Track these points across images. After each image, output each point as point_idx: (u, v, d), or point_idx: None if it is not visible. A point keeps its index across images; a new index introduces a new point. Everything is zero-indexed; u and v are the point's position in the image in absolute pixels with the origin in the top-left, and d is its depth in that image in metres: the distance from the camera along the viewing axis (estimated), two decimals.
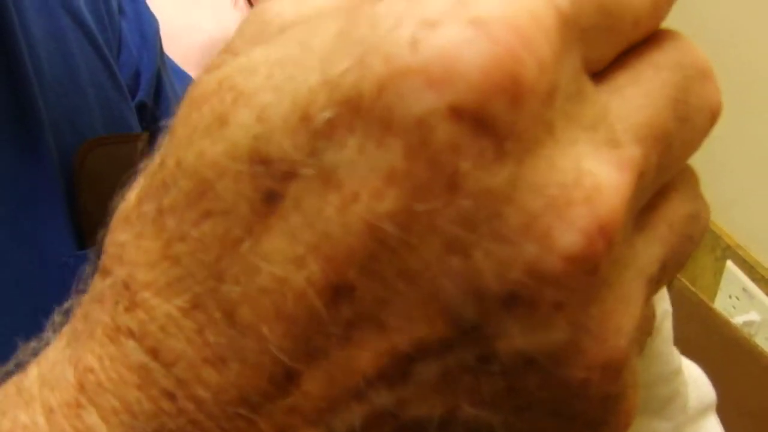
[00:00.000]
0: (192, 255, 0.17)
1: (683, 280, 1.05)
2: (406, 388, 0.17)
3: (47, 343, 0.22)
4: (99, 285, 0.20)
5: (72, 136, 0.46)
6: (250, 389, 0.17)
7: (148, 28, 0.60)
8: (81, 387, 0.19)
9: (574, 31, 0.16)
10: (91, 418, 0.19)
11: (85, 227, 0.47)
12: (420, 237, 0.16)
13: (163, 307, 0.18)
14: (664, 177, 0.19)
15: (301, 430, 0.18)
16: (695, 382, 0.36)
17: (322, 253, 0.16)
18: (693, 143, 0.19)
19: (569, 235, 0.15)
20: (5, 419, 0.20)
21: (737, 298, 1.11)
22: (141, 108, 0.56)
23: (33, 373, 0.21)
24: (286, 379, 0.17)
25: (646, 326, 0.20)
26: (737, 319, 1.04)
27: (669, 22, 0.19)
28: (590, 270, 0.16)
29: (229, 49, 0.18)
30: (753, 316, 1.06)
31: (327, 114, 0.16)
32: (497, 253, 0.15)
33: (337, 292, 0.16)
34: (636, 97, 0.17)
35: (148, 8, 0.62)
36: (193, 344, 0.18)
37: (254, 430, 0.18)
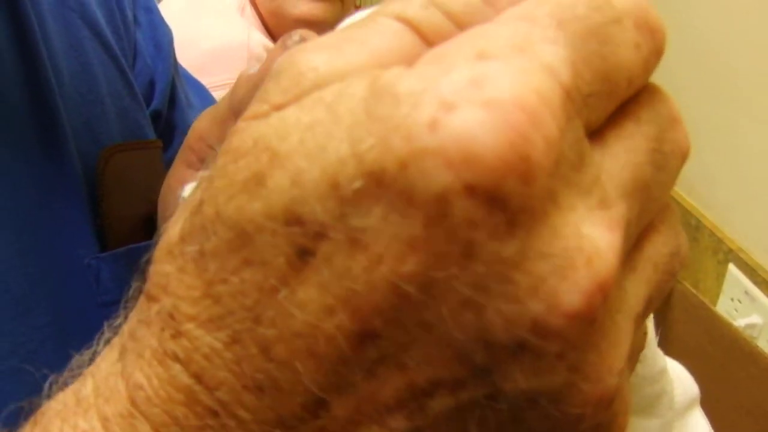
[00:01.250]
0: (232, 297, 0.19)
1: (686, 284, 1.06)
2: (422, 417, 0.19)
3: (96, 354, 0.24)
4: (146, 309, 0.22)
5: (91, 143, 0.48)
6: (286, 413, 0.19)
7: (162, 39, 0.61)
8: (132, 401, 0.21)
9: (577, 101, 0.18)
10: (144, 427, 0.21)
11: (107, 230, 0.48)
12: (437, 296, 0.17)
13: (206, 339, 0.20)
14: (645, 219, 0.20)
15: None
16: (679, 379, 0.37)
17: (350, 305, 0.18)
18: (668, 185, 0.21)
19: (572, 295, 0.17)
20: (66, 425, 0.22)
21: (739, 302, 1.10)
22: (156, 116, 0.58)
23: (89, 383, 0.23)
24: (317, 406, 0.19)
25: (637, 351, 0.22)
26: (739, 322, 1.05)
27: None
28: (589, 323, 0.17)
29: (264, 99, 0.20)
30: (755, 319, 1.05)
31: (355, 184, 0.17)
32: (507, 311, 0.17)
33: (363, 337, 0.18)
34: (621, 153, 0.19)
35: (162, 19, 0.63)
36: (234, 373, 0.19)
37: None
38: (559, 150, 0.17)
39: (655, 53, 0.20)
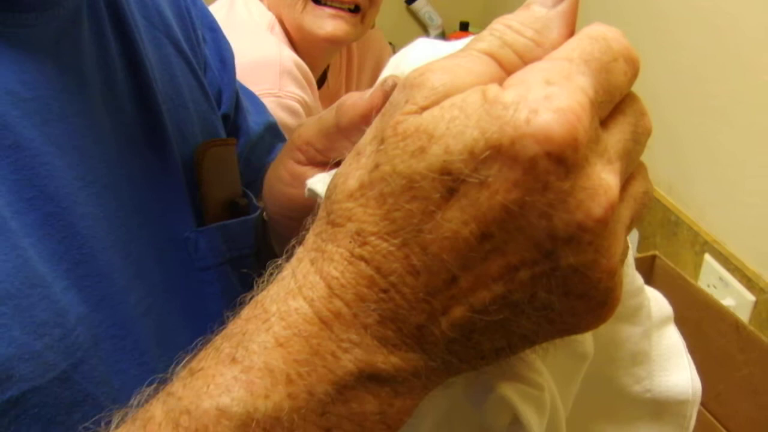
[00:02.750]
0: (404, 218, 0.32)
1: (666, 259, 1.16)
2: (512, 284, 0.32)
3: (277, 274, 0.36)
4: (331, 231, 0.34)
5: (182, 141, 0.56)
6: (431, 287, 0.32)
7: (226, 54, 0.71)
8: (329, 287, 0.33)
9: (595, 107, 0.32)
10: (338, 302, 0.33)
11: (204, 210, 0.58)
12: (527, 211, 0.31)
13: (384, 245, 0.32)
14: (629, 171, 0.34)
15: (455, 306, 0.33)
16: (655, 299, 0.43)
17: (478, 218, 0.31)
18: (641, 151, 0.35)
19: (598, 208, 0.30)
20: (280, 305, 0.34)
21: (715, 287, 1.22)
22: (225, 119, 0.67)
23: (288, 282, 0.35)
24: (452, 280, 0.32)
25: (624, 252, 0.35)
26: None
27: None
28: (605, 224, 0.31)
29: (413, 101, 0.32)
30: (729, 301, 1.17)
31: (485, 153, 0.30)
32: (565, 217, 0.31)
33: (484, 237, 0.31)
34: (616, 133, 0.34)
35: (224, 36, 0.73)
36: (402, 264, 0.32)
37: (429, 307, 0.33)
38: (589, 134, 0.30)
39: (634, 75, 0.34)
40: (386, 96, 0.41)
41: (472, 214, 0.31)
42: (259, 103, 0.81)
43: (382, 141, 0.33)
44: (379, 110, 0.40)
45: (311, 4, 1.24)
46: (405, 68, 0.43)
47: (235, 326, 0.35)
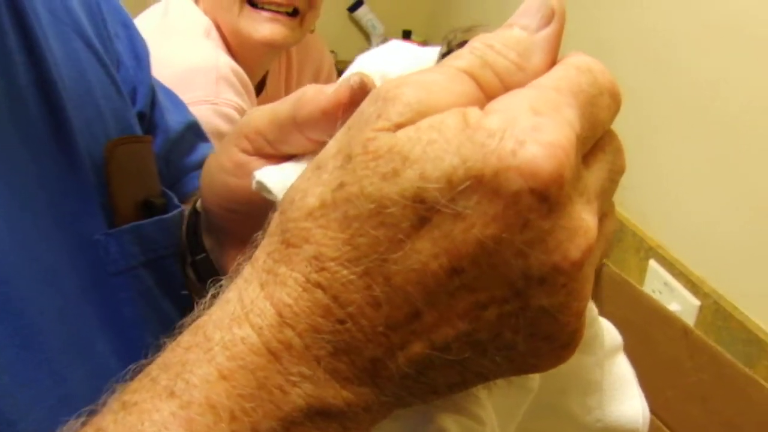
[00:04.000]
0: (368, 245, 0.30)
1: (612, 267, 1.17)
2: (477, 322, 0.30)
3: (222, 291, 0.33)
4: (284, 252, 0.31)
5: (91, 139, 0.53)
6: (392, 319, 0.30)
7: (140, 51, 0.67)
8: (280, 315, 0.31)
9: (579, 141, 0.30)
10: (289, 332, 0.31)
11: (114, 210, 0.54)
12: (502, 248, 0.29)
13: (344, 272, 0.30)
14: (603, 209, 0.33)
15: (415, 342, 0.31)
16: (607, 328, 0.43)
17: (449, 252, 0.29)
18: (614, 190, 0.34)
19: (575, 251, 0.29)
20: (223, 332, 0.31)
21: (660, 292, 1.22)
22: (141, 117, 0.63)
23: (232, 306, 0.32)
24: (414, 315, 0.30)
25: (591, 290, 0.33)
26: None
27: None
28: (580, 268, 0.30)
29: (386, 117, 0.30)
30: (675, 306, 1.17)
31: (464, 182, 0.28)
32: (541, 258, 0.29)
33: (453, 272, 0.29)
34: (595, 171, 0.32)
35: (139, 33, 0.68)
36: (362, 294, 0.30)
37: (387, 341, 0.31)
38: (573, 171, 0.29)
39: (617, 111, 0.33)
40: (353, 93, 0.38)
41: (443, 247, 0.29)
42: (179, 101, 0.77)
43: (349, 158, 0.30)
44: (343, 108, 0.38)
45: (248, 8, 1.21)
46: (373, 69, 0.41)
47: (174, 355, 0.32)
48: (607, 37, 1.41)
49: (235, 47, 1.24)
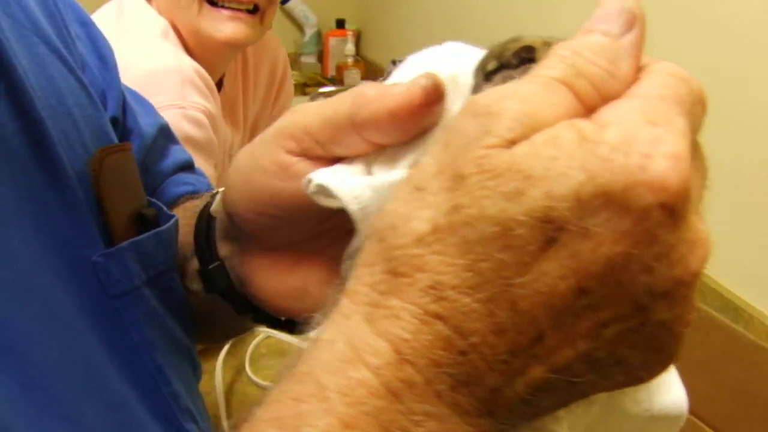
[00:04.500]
0: (492, 270, 0.29)
1: None
2: (597, 341, 0.30)
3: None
4: (392, 283, 0.30)
5: (69, 150, 0.48)
6: (516, 345, 0.29)
7: (104, 50, 0.62)
8: (398, 351, 0.29)
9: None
10: (409, 370, 0.29)
11: (110, 227, 0.50)
12: (631, 264, 0.28)
13: (464, 300, 0.29)
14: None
15: (535, 366, 0.30)
16: None
17: (577, 271, 0.28)
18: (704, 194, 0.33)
19: (695, 262, 0.29)
20: (337, 377, 0.30)
21: None
22: (113, 122, 0.58)
23: (339, 346, 0.30)
24: (538, 338, 0.29)
25: None
26: None
27: None
28: (698, 278, 0.30)
29: (495, 134, 0.29)
30: None
31: (594, 200, 0.28)
32: (665, 272, 0.29)
33: (580, 292, 0.29)
34: (696, 180, 0.31)
35: (100, 32, 0.63)
36: (484, 323, 0.29)
37: (508, 368, 0.30)
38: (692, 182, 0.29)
39: (705, 117, 0.33)
40: (427, 95, 0.36)
41: (571, 267, 0.28)
42: (146, 103, 0.72)
43: (460, 178, 0.29)
44: (414, 111, 0.36)
45: (207, 7, 1.17)
46: (439, 69, 0.38)
47: (285, 408, 0.30)
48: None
49: (194, 48, 1.20)
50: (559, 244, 0.28)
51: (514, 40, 0.38)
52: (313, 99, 1.99)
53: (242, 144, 1.37)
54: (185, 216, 0.59)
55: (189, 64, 1.12)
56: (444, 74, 0.38)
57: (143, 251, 0.52)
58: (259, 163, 0.44)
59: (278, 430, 0.30)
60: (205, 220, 0.52)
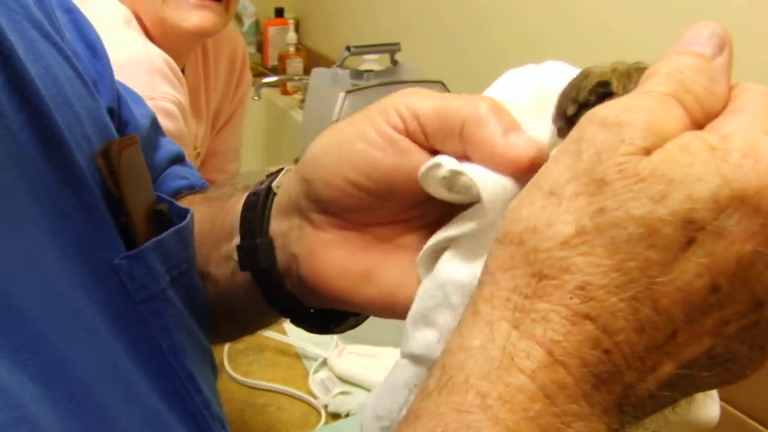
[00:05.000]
0: (639, 269, 0.30)
1: None
2: (720, 338, 0.31)
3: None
4: (536, 286, 0.31)
5: (77, 147, 0.45)
6: (651, 343, 0.31)
7: (92, 37, 0.60)
8: (550, 354, 0.30)
9: None
10: (562, 372, 0.30)
11: (133, 227, 0.47)
12: (758, 262, 0.30)
13: (612, 299, 0.30)
14: None
15: (666, 363, 0.31)
16: None
17: (711, 269, 0.30)
18: None
19: None
20: (496, 384, 0.30)
21: None
22: (110, 114, 0.54)
23: (490, 352, 0.31)
24: (672, 335, 0.31)
25: None
26: None
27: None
28: None
29: (629, 142, 0.31)
30: None
31: (731, 203, 0.29)
32: None
33: (713, 289, 0.30)
34: None
35: (85, 17, 0.61)
36: (628, 321, 0.30)
37: (643, 366, 0.31)
38: None
39: None
40: (532, 165, 0.38)
41: (706, 266, 0.30)
42: (135, 94, 0.69)
43: (603, 182, 0.30)
44: (515, 168, 0.39)
45: None
46: (537, 86, 0.41)
47: (449, 420, 0.31)
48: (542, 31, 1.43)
49: (158, 37, 1.17)
50: (697, 243, 0.30)
51: (585, 75, 0.39)
52: (257, 90, 1.96)
53: (206, 136, 1.34)
54: (200, 210, 0.57)
55: (156, 53, 1.08)
56: (538, 90, 0.41)
57: (166, 251, 0.49)
58: (362, 133, 0.44)
59: None
60: (263, 195, 0.50)
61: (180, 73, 1.12)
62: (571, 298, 0.30)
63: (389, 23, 2.15)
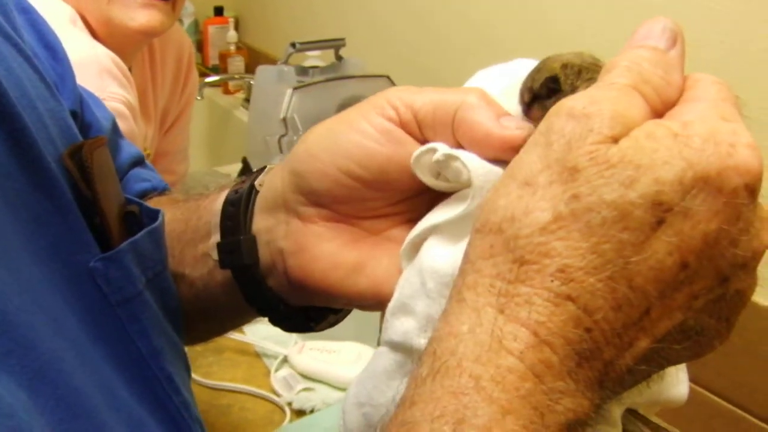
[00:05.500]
0: (613, 251, 0.32)
1: None
2: (689, 312, 0.33)
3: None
4: (518, 271, 0.33)
5: (46, 149, 0.43)
6: (628, 319, 0.33)
7: (51, 38, 0.59)
8: (536, 334, 0.32)
9: None
10: (546, 350, 0.32)
11: (107, 228, 0.46)
12: (722, 239, 0.32)
13: (590, 280, 0.32)
14: None
15: (641, 339, 0.33)
16: None
17: (680, 248, 0.32)
18: None
19: (766, 235, 0.34)
20: (487, 367, 0.32)
21: None
22: (73, 116, 0.53)
23: (478, 336, 0.33)
24: (646, 312, 0.33)
25: None
26: None
27: None
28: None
29: (597, 131, 0.33)
30: None
31: (695, 184, 0.32)
32: (745, 245, 0.33)
33: (683, 265, 0.32)
34: None
35: (42, 18, 0.59)
36: (606, 300, 0.32)
37: (620, 342, 0.33)
38: None
39: None
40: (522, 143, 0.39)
41: (676, 244, 0.32)
42: (94, 96, 0.68)
43: (575, 170, 0.32)
44: (505, 149, 0.40)
45: None
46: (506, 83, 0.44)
47: (446, 403, 0.32)
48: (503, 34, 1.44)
49: (105, 37, 1.14)
50: (666, 224, 0.32)
51: (539, 69, 0.42)
52: (200, 90, 1.93)
53: (155, 136, 1.33)
54: (169, 211, 0.57)
55: (104, 52, 1.06)
56: (507, 86, 0.44)
57: (141, 252, 0.49)
58: (356, 126, 0.45)
59: (446, 426, 0.31)
60: (245, 192, 0.51)
61: (128, 73, 1.10)
62: (552, 281, 0.32)
63: (330, 19, 2.15)
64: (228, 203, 0.52)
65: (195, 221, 0.54)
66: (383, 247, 0.47)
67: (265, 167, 0.52)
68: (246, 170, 1.68)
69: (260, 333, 1.17)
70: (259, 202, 0.50)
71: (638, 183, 0.31)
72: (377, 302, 0.46)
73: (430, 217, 0.43)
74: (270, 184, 0.50)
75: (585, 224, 0.32)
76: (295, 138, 1.51)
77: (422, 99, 0.44)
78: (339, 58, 1.69)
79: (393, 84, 1.57)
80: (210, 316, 0.58)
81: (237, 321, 0.62)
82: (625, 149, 0.32)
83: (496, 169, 0.40)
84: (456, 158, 0.41)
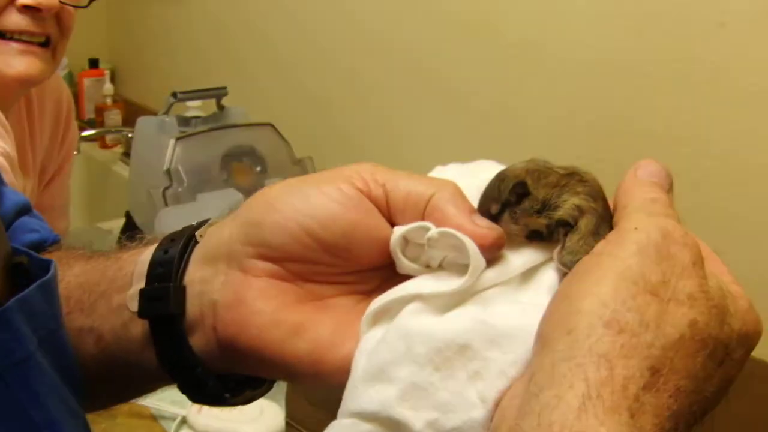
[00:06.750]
0: (703, 379, 0.37)
1: None
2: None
3: None
4: (646, 376, 0.36)
5: None
6: None
7: None
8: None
9: None
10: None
11: None
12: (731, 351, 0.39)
13: (688, 402, 0.36)
14: None
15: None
16: None
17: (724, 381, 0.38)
18: None
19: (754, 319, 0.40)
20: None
21: None
22: None
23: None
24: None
25: None
26: None
27: None
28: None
29: (699, 265, 0.38)
30: None
31: (744, 339, 0.39)
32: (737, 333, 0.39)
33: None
34: None
35: None
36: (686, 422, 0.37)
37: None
38: None
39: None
40: (497, 245, 0.43)
41: (727, 381, 0.38)
42: None
43: (691, 297, 0.38)
44: (482, 247, 0.42)
45: None
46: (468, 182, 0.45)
47: None
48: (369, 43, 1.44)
49: None
50: (725, 365, 0.38)
51: (502, 179, 0.44)
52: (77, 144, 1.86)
53: (34, 191, 1.26)
54: (77, 264, 0.53)
55: None
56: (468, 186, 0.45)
57: (31, 309, 0.43)
58: (322, 187, 0.44)
59: None
60: (182, 242, 0.48)
61: (6, 123, 1.04)
62: (669, 396, 0.35)
63: (208, 70, 2.12)
64: (161, 250, 0.49)
65: (114, 272, 0.50)
66: (327, 314, 0.45)
67: (207, 220, 0.50)
68: (129, 224, 1.61)
69: (155, 393, 1.10)
70: (197, 252, 0.48)
71: (729, 326, 0.38)
72: (313, 369, 0.43)
73: (409, 286, 0.42)
74: (214, 234, 0.47)
75: (695, 350, 0.36)
76: (179, 189, 1.47)
77: (395, 180, 0.44)
78: (221, 107, 1.67)
79: (278, 132, 1.55)
80: (114, 375, 0.53)
81: (142, 386, 0.57)
82: (715, 290, 0.38)
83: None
84: (453, 235, 0.41)
